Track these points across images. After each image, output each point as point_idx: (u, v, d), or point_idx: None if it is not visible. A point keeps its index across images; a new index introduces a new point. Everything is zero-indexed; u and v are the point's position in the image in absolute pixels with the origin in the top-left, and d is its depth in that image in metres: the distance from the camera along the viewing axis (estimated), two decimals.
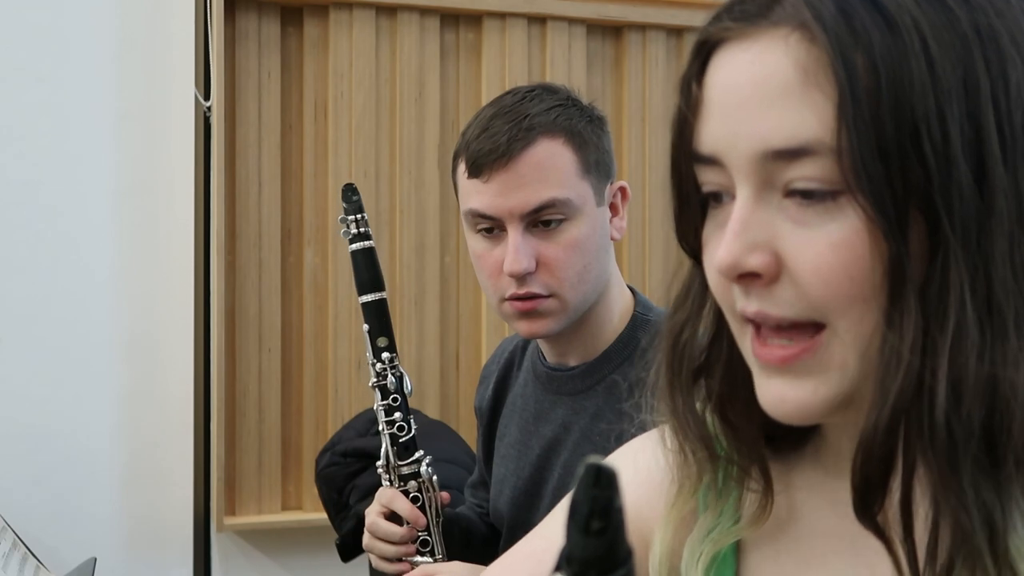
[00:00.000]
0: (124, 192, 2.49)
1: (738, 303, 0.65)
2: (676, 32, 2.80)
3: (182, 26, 2.49)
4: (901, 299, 0.60)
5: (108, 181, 2.48)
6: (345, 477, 2.03)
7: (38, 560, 2.15)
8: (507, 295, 1.35)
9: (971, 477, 0.58)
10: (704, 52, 0.66)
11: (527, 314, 1.35)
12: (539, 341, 1.46)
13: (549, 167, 1.32)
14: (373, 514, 1.45)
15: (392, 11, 2.60)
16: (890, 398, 0.60)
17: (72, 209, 2.46)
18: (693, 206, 0.69)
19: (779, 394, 0.65)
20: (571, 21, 2.70)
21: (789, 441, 0.73)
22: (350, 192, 1.46)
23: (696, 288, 0.72)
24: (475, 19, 2.67)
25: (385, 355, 1.46)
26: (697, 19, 2.73)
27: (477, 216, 1.35)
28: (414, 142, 2.61)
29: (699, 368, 0.71)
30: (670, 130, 0.68)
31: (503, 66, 2.67)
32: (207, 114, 2.48)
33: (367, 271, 1.45)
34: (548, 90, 1.39)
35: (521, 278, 1.33)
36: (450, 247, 2.65)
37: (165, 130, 2.50)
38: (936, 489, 0.60)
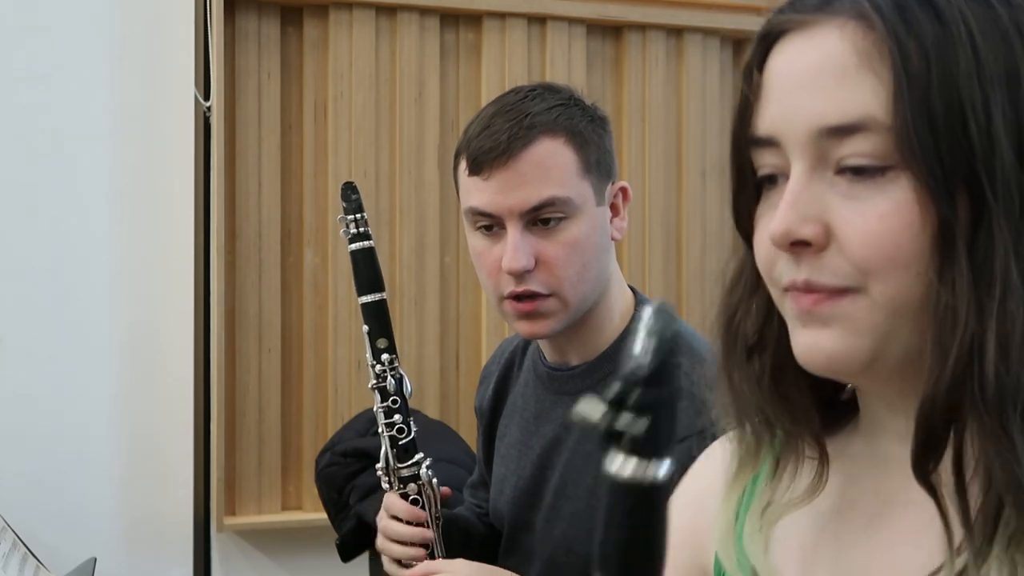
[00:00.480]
0: (124, 192, 2.49)
1: (785, 277, 0.70)
2: (676, 32, 2.80)
3: (182, 26, 2.49)
4: (953, 263, 0.64)
5: (108, 181, 2.48)
6: (345, 477, 2.03)
7: (38, 560, 2.15)
8: (506, 293, 1.34)
9: (1020, 428, 0.63)
10: (766, 43, 0.72)
11: (527, 315, 1.34)
12: (540, 341, 1.45)
13: (550, 166, 1.31)
14: (384, 518, 1.46)
15: (392, 11, 2.60)
16: (951, 356, 0.64)
17: (72, 209, 2.46)
18: (749, 190, 0.74)
19: (811, 342, 0.70)
20: (571, 21, 2.71)
21: (834, 418, 0.78)
22: (349, 191, 1.45)
23: (748, 271, 0.76)
24: (475, 19, 2.67)
25: (385, 356, 1.44)
26: (696, 19, 2.76)
27: (477, 214, 1.35)
28: (414, 142, 2.61)
29: (753, 346, 0.76)
30: (731, 116, 0.74)
31: (503, 66, 2.67)
32: (207, 114, 2.48)
33: (366, 271, 1.45)
34: (551, 89, 1.39)
35: (520, 276, 1.32)
36: (450, 247, 2.65)
37: (165, 130, 2.51)
38: (987, 442, 0.64)
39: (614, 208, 1.41)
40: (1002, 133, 0.64)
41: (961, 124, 0.64)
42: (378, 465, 1.46)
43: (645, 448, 0.57)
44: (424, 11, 2.62)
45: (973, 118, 0.64)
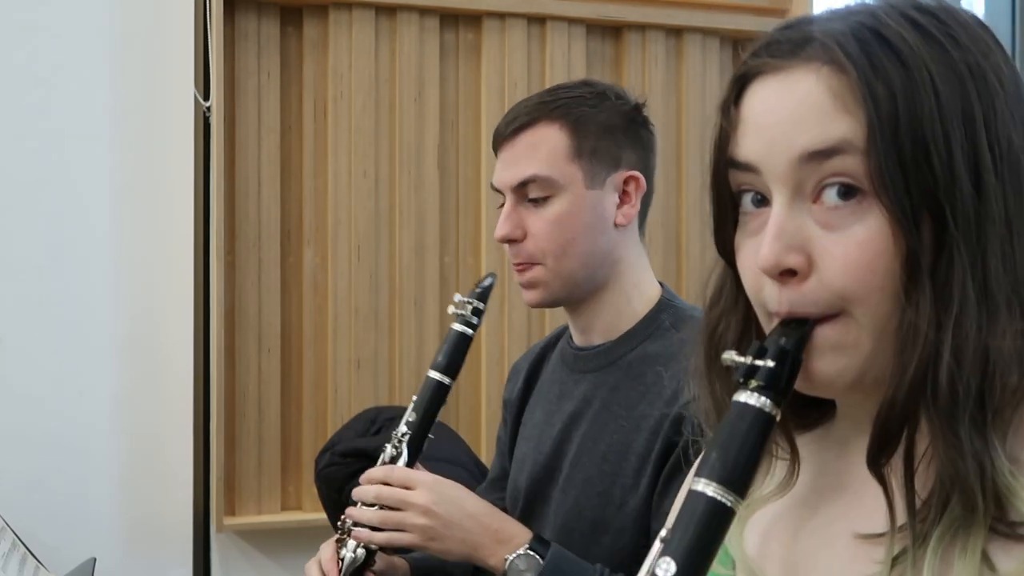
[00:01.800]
0: (124, 192, 2.49)
1: (771, 303, 0.76)
2: (675, 32, 2.80)
3: (181, 26, 2.49)
4: (918, 284, 0.71)
5: (108, 181, 2.48)
6: (345, 477, 2.03)
7: (38, 560, 2.15)
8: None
9: (967, 430, 0.70)
10: (741, 82, 0.78)
11: (524, 284, 1.49)
12: (568, 324, 1.56)
13: (539, 147, 1.45)
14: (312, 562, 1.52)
15: (391, 11, 2.60)
16: (910, 366, 0.71)
17: (72, 209, 2.46)
18: (728, 217, 0.81)
19: (800, 367, 0.76)
20: (571, 21, 2.71)
21: (810, 416, 0.85)
22: (489, 284, 1.57)
23: (729, 287, 0.84)
24: (475, 19, 2.67)
25: (404, 429, 1.50)
26: (696, 19, 2.76)
27: (492, 188, 1.52)
28: (413, 142, 2.61)
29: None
30: (710, 148, 0.80)
31: (503, 66, 2.67)
32: (207, 114, 2.48)
33: (453, 354, 1.52)
34: (586, 84, 1.53)
35: (510, 246, 1.47)
36: (449, 247, 2.65)
37: (165, 130, 2.51)
38: (937, 441, 0.71)
39: (625, 196, 1.49)
40: (962, 167, 0.71)
41: (926, 160, 0.71)
42: (349, 511, 1.48)
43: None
44: (424, 11, 2.62)
45: (936, 155, 0.71)
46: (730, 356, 0.75)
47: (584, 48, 2.73)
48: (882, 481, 0.74)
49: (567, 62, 2.70)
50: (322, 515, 2.19)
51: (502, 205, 1.49)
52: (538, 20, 2.69)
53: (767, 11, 2.85)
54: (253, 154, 2.53)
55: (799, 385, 0.75)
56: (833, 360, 0.74)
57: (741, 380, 0.73)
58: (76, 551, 2.27)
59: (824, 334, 0.74)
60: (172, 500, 2.50)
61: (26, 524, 2.24)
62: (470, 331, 1.53)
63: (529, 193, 1.46)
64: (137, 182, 2.50)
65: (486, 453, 2.45)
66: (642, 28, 2.77)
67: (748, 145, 0.77)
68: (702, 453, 0.74)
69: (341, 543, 1.48)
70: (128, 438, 2.49)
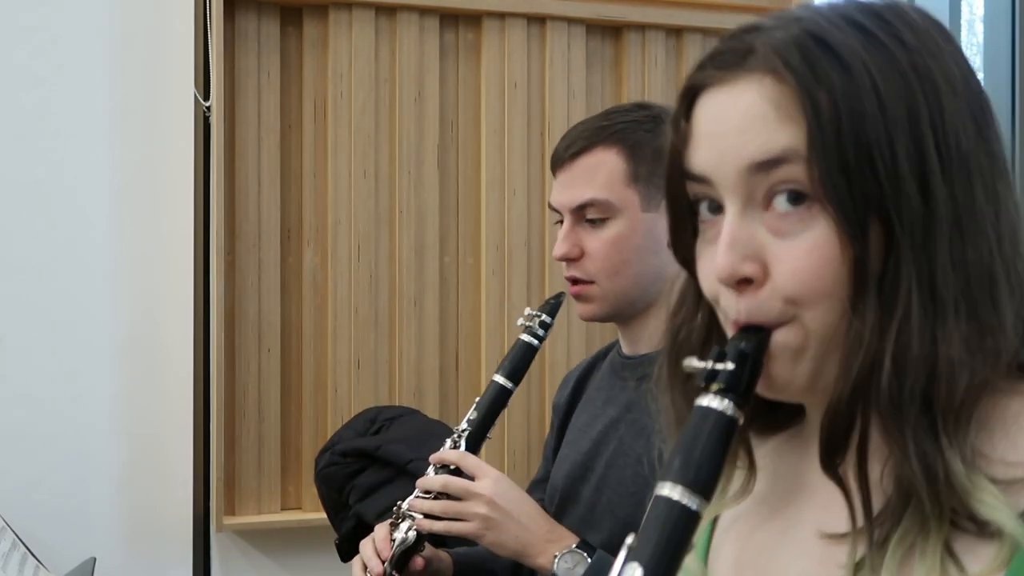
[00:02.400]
0: (124, 192, 2.49)
1: (730, 311, 0.77)
2: (675, 32, 2.80)
3: (181, 26, 2.49)
4: (864, 292, 0.72)
5: (108, 181, 2.48)
6: (344, 477, 2.03)
7: (37, 560, 2.16)
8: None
9: (914, 434, 0.70)
10: (690, 96, 0.79)
11: (576, 296, 1.54)
12: (619, 335, 1.61)
13: (597, 172, 1.51)
14: (367, 540, 1.57)
15: (391, 11, 2.60)
16: (853, 372, 0.72)
17: (72, 209, 2.46)
18: (686, 226, 0.82)
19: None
20: (570, 21, 2.71)
21: (776, 419, 0.87)
22: (558, 301, 1.65)
23: (691, 295, 0.84)
24: (474, 19, 2.67)
25: (464, 425, 1.58)
26: (696, 19, 2.76)
27: (550, 207, 1.58)
28: (413, 142, 2.61)
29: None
30: (664, 162, 0.81)
31: (502, 66, 2.67)
32: (207, 114, 2.48)
33: (518, 362, 1.61)
34: (641, 107, 1.58)
35: (567, 264, 1.53)
36: (449, 247, 2.65)
37: (165, 130, 2.51)
38: (888, 445, 0.72)
39: None
40: (907, 172, 0.71)
41: (870, 165, 0.71)
42: (411, 496, 1.54)
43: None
44: (424, 11, 2.62)
45: (880, 159, 0.71)
46: (690, 362, 0.76)
47: (584, 48, 2.73)
48: (840, 483, 0.74)
49: (567, 62, 2.70)
50: (322, 515, 2.19)
51: (558, 223, 1.55)
52: (538, 20, 2.69)
53: (767, 11, 2.84)
54: (253, 154, 2.53)
55: (760, 389, 0.76)
56: (790, 364, 0.75)
57: (703, 384, 0.74)
58: (76, 551, 2.27)
59: (780, 339, 0.75)
60: (172, 500, 2.50)
61: (26, 524, 2.24)
62: (536, 342, 1.61)
63: (587, 214, 1.51)
64: (137, 182, 2.50)
65: (486, 453, 2.45)
66: (642, 28, 2.77)
67: (699, 157, 0.78)
68: (667, 457, 0.74)
69: (395, 527, 1.53)
70: (128, 438, 2.49)
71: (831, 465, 0.74)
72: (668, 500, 0.70)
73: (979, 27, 3.10)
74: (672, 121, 0.80)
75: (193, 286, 2.50)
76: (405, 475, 1.97)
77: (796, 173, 0.73)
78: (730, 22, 2.79)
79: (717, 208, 0.78)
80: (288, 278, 2.57)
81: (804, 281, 0.73)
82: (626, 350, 1.60)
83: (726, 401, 0.72)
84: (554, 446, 1.71)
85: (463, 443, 1.57)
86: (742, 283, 0.75)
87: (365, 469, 2.02)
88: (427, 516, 1.50)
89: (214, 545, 2.53)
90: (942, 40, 0.76)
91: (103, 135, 2.48)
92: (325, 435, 2.44)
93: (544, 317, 1.62)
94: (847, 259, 0.72)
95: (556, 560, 1.41)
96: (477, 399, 1.60)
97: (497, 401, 1.59)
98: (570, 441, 1.63)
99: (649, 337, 1.55)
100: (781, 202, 0.74)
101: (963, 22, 3.10)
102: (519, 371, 1.60)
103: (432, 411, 2.54)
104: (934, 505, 0.70)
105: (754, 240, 0.75)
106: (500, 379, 1.59)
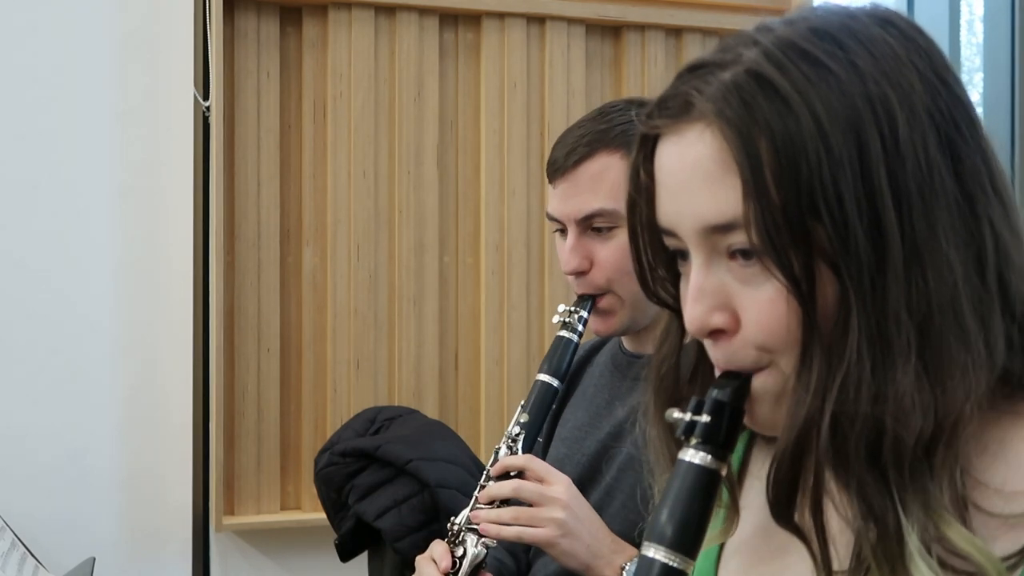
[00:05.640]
0: (123, 192, 2.49)
1: (711, 356, 0.77)
2: (675, 32, 2.80)
3: (181, 26, 2.49)
4: (810, 349, 0.71)
5: (107, 181, 2.48)
6: (344, 477, 2.03)
7: (37, 560, 2.16)
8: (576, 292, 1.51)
9: (858, 488, 0.69)
10: (648, 144, 0.78)
11: (596, 314, 1.49)
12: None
13: (602, 179, 1.45)
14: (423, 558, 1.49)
15: (391, 11, 2.60)
16: (796, 425, 0.71)
17: (71, 209, 2.46)
18: (657, 269, 0.81)
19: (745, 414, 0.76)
20: (570, 21, 2.71)
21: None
22: (591, 300, 1.53)
23: (674, 330, 0.84)
24: (474, 19, 2.67)
25: (516, 429, 1.51)
26: (696, 19, 2.76)
27: (549, 218, 1.52)
28: (413, 142, 2.61)
29: (680, 400, 0.81)
30: (625, 211, 0.81)
31: (502, 66, 2.67)
32: (206, 114, 2.48)
33: (559, 358, 1.55)
34: (636, 104, 1.50)
35: (577, 277, 1.48)
36: (449, 247, 2.65)
37: (164, 130, 2.51)
38: (838, 497, 0.71)
39: None
40: (854, 214, 0.69)
41: (813, 211, 0.69)
42: (465, 510, 1.47)
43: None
44: (423, 11, 2.62)
45: (825, 207, 0.69)
46: (670, 414, 0.76)
47: (584, 48, 2.73)
48: (796, 532, 0.74)
49: (566, 62, 2.70)
50: (321, 515, 2.19)
51: (557, 231, 1.50)
52: (537, 20, 2.69)
53: (767, 11, 2.85)
54: (252, 154, 2.53)
55: (748, 424, 0.77)
56: (772, 407, 0.75)
57: (683, 437, 0.74)
58: (75, 551, 2.27)
59: (759, 384, 0.75)
60: (171, 500, 2.50)
61: (25, 524, 2.24)
62: (576, 337, 1.55)
63: (594, 223, 1.46)
64: (137, 181, 2.50)
65: (485, 453, 2.45)
66: (642, 28, 2.77)
67: (664, 209, 0.77)
68: (652, 512, 0.75)
69: (453, 543, 1.46)
70: (127, 438, 2.49)
71: (784, 516, 0.74)
72: (655, 562, 0.71)
73: (979, 27, 3.10)
74: (631, 171, 0.79)
75: (192, 286, 2.50)
76: (405, 475, 1.97)
77: (743, 236, 0.72)
78: (730, 22, 2.83)
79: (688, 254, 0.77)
80: (287, 278, 2.57)
81: (771, 331, 0.72)
82: (630, 347, 1.56)
83: (708, 457, 0.73)
84: (546, 437, 1.65)
85: (519, 447, 1.49)
86: (714, 333, 0.75)
87: (364, 469, 2.02)
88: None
89: (213, 545, 2.53)
90: (904, 53, 0.72)
91: (103, 135, 2.48)
92: (324, 435, 2.44)
93: (583, 312, 1.55)
94: (796, 312, 0.71)
95: (623, 573, 1.36)
96: (522, 401, 1.55)
97: (545, 401, 1.54)
98: (566, 439, 1.59)
99: (656, 336, 1.53)
100: (739, 256, 0.73)
101: (963, 22, 3.10)
102: (563, 368, 1.55)
103: (431, 411, 2.54)
104: (884, 560, 0.69)
105: (723, 289, 0.74)
106: (546, 377, 1.54)
